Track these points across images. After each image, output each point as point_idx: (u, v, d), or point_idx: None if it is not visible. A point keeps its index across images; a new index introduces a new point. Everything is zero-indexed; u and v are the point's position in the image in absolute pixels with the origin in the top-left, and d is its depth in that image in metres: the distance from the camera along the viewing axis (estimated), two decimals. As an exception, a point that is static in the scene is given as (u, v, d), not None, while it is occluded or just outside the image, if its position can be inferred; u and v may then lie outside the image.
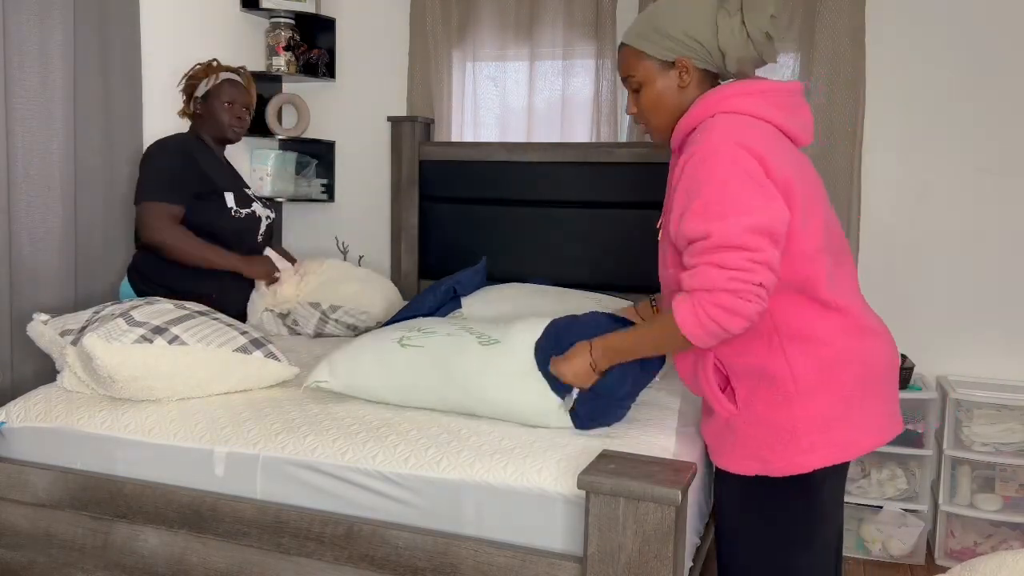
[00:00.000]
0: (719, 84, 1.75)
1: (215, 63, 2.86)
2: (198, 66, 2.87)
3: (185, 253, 2.61)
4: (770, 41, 1.69)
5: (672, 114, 1.73)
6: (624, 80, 1.76)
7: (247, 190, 2.88)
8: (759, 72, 1.93)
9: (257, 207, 2.84)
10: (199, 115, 2.83)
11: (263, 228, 2.87)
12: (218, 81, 2.80)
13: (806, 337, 1.64)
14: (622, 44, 1.76)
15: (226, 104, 2.80)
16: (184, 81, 2.86)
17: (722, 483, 1.79)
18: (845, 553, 3.06)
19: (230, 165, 2.94)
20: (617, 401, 1.83)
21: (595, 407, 1.80)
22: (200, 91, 2.81)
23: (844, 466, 1.74)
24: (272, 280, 2.80)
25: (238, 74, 2.86)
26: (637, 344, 1.70)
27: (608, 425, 1.85)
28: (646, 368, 1.86)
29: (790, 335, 1.64)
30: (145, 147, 3.08)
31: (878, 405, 1.70)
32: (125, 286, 2.70)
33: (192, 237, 2.63)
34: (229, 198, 2.73)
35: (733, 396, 1.72)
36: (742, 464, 1.71)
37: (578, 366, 1.77)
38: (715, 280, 1.52)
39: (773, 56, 1.71)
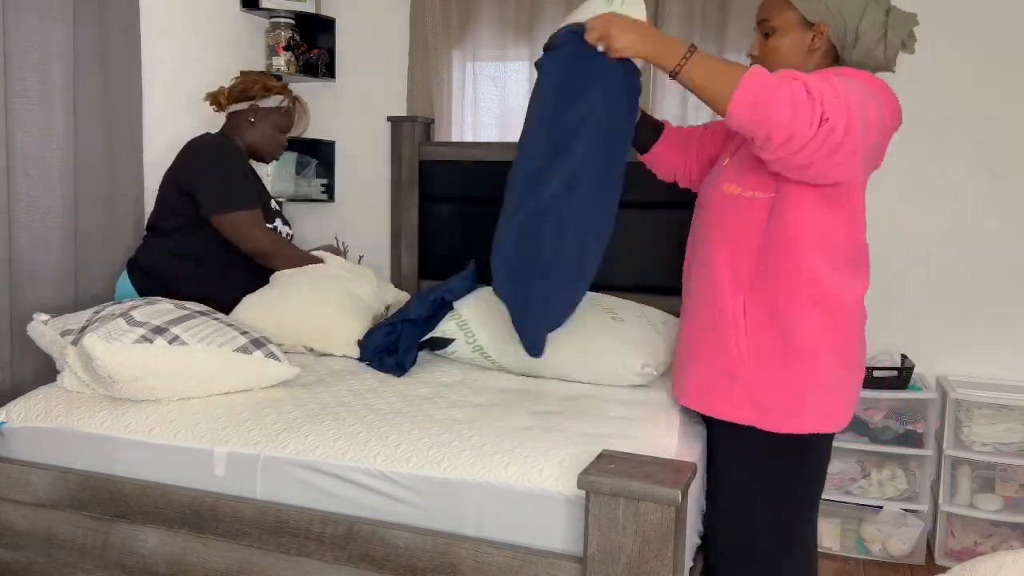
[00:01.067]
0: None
1: (288, 87, 2.83)
2: (271, 77, 2.81)
3: (290, 260, 2.63)
4: (900, 50, 1.78)
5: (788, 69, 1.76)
6: (760, 22, 1.82)
7: (274, 205, 2.82)
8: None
9: (279, 224, 2.77)
10: (249, 122, 2.76)
11: None
12: (288, 104, 2.78)
13: (834, 308, 1.73)
14: None
15: (281, 130, 2.79)
16: (250, 84, 2.77)
17: (715, 438, 1.86)
18: (845, 553, 3.06)
19: (258, 177, 2.88)
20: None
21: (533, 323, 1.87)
22: (271, 103, 2.76)
23: (831, 439, 1.84)
24: None
25: (302, 106, 2.85)
26: (711, 71, 1.63)
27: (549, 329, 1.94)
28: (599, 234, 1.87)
29: (820, 299, 1.72)
30: (146, 147, 3.09)
31: (859, 385, 1.83)
32: (124, 283, 2.67)
33: (288, 242, 2.64)
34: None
35: (748, 342, 1.78)
36: (736, 412, 1.79)
37: (667, 48, 1.68)
38: (808, 81, 1.55)
39: (893, 65, 1.81)
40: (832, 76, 1.61)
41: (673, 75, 1.68)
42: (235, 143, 2.73)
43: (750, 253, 1.77)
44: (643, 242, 3.19)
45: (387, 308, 2.82)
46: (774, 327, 1.75)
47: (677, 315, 3.23)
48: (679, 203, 2.89)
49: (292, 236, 2.87)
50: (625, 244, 3.23)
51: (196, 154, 2.65)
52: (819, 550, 3.08)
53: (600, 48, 1.75)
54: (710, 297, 1.83)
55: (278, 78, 3.50)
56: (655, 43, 1.69)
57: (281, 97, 2.77)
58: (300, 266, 2.65)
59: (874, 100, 1.64)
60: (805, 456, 1.80)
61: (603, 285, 3.24)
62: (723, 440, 1.86)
